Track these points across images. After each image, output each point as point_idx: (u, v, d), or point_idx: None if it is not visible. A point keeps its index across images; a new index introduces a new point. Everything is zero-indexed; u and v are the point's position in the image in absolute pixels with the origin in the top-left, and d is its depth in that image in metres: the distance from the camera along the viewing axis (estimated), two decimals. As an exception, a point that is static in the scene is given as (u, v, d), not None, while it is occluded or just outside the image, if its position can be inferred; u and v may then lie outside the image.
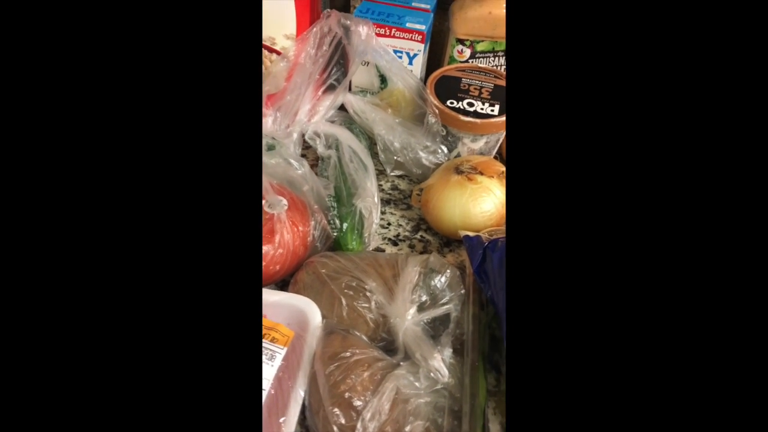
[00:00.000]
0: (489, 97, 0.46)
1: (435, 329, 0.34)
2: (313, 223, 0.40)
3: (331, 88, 0.49)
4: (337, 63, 0.48)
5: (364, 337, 0.34)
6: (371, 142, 0.50)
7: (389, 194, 0.51)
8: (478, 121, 0.44)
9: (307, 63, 0.47)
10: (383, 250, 0.45)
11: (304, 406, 0.31)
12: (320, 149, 0.48)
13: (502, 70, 0.52)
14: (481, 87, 0.47)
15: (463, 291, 0.35)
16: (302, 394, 0.31)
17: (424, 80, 0.49)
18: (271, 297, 0.35)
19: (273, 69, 0.49)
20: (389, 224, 0.48)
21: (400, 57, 0.48)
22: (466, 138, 0.47)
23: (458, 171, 0.43)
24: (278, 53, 0.50)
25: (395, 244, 0.46)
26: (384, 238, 0.46)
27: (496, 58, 0.51)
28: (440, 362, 0.30)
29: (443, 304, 0.34)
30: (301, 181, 0.42)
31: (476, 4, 0.47)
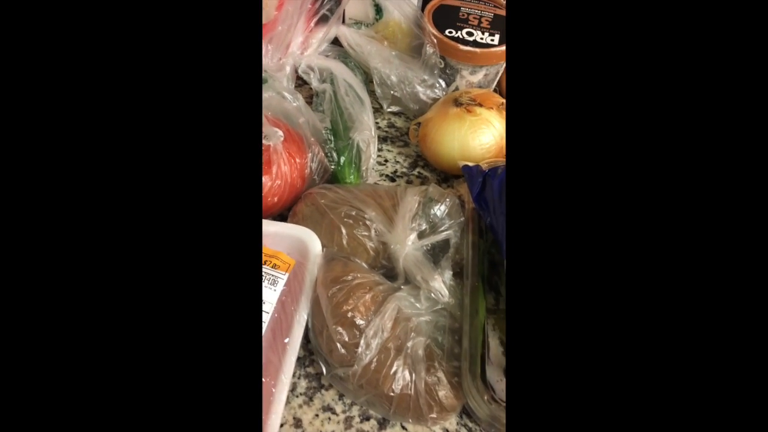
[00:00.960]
0: (489, 26, 0.45)
1: (435, 256, 0.34)
2: (310, 155, 0.39)
3: (323, 20, 0.47)
4: (330, -9, 0.46)
5: (365, 264, 0.34)
6: (367, 77, 0.49)
7: (386, 131, 0.50)
8: (477, 50, 0.42)
9: (298, -10, 0.44)
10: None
11: (307, 329, 0.32)
12: (314, 83, 0.46)
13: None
14: (481, 16, 0.45)
15: (462, 219, 0.35)
16: (305, 317, 0.32)
17: (422, 9, 0.47)
18: (270, 227, 0.35)
19: (262, -2, 0.46)
20: (386, 161, 0.47)
21: (396, -15, 0.46)
22: (465, 70, 0.45)
23: (457, 103, 0.42)
24: (267, -19, 0.47)
25: (393, 180, 0.46)
26: (381, 175, 0.46)
27: (496, -13, 0.49)
28: (440, 283, 0.31)
29: (443, 231, 0.34)
30: (296, 113, 0.41)
31: (476, -75, 0.44)
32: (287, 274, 0.33)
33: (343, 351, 0.29)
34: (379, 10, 0.48)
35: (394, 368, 0.28)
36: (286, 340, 0.31)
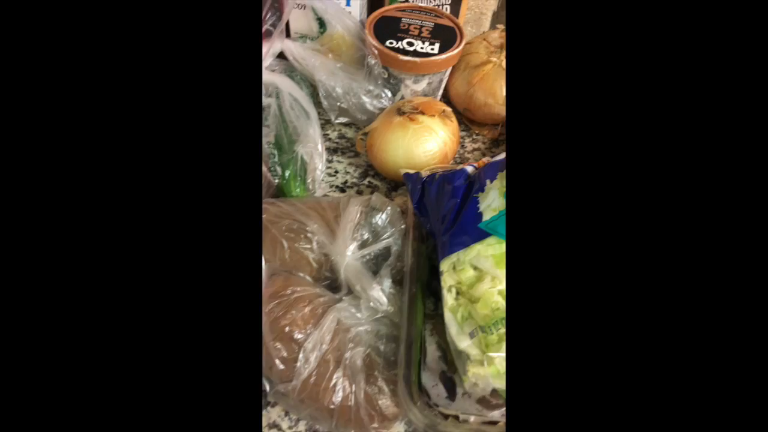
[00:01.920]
0: (429, 36, 0.45)
1: (378, 265, 0.35)
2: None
3: (267, 35, 0.47)
4: (272, 7, 0.46)
5: (308, 277, 0.34)
6: (313, 90, 0.49)
7: (336, 143, 0.50)
8: (417, 60, 0.43)
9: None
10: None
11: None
12: (260, 99, 0.46)
13: (443, 8, 0.51)
14: (422, 26, 0.46)
15: (403, 226, 0.35)
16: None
17: (364, 21, 0.48)
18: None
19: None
20: (337, 172, 0.47)
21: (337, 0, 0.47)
22: (408, 80, 0.46)
23: (400, 112, 0.42)
24: None
25: (343, 190, 0.46)
26: (332, 186, 0.46)
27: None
28: (379, 292, 0.31)
29: (384, 239, 0.34)
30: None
31: (411, -62, 0.45)
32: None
33: (282, 366, 0.29)
34: (322, 23, 0.48)
35: (333, 380, 0.28)
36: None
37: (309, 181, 0.42)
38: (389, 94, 0.47)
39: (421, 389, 0.27)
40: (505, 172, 0.31)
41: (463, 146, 0.51)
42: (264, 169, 0.39)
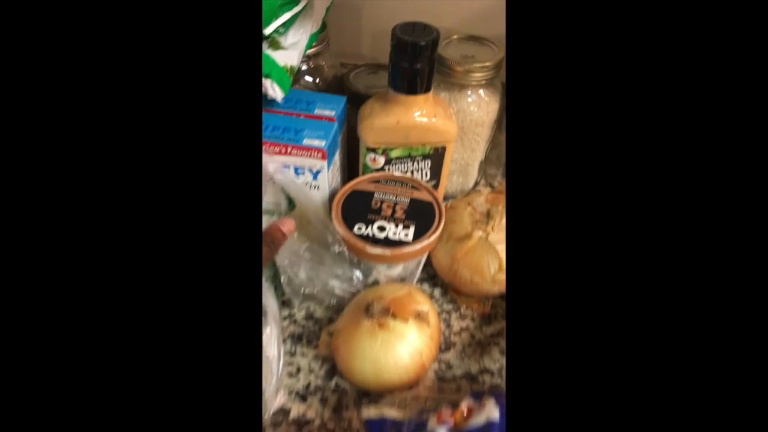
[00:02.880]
0: (403, 216, 0.41)
1: None
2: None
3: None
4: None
5: None
6: (274, 272, 0.44)
7: (302, 325, 0.44)
8: (388, 252, 0.38)
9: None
10: (288, 411, 0.38)
11: None
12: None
13: (420, 176, 0.47)
14: (396, 203, 0.42)
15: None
16: None
17: (331, 199, 0.43)
18: None
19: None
20: (299, 370, 0.40)
21: (302, 174, 0.43)
22: (380, 266, 0.41)
23: (369, 313, 0.36)
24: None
25: (304, 399, 0.39)
26: (291, 392, 0.39)
27: (414, 163, 0.46)
28: None
29: None
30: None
31: (383, 113, 0.42)
32: None
33: None
34: (290, 200, 0.44)
35: None
36: None
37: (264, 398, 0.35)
38: (360, 276, 0.42)
39: None
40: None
41: (448, 326, 0.44)
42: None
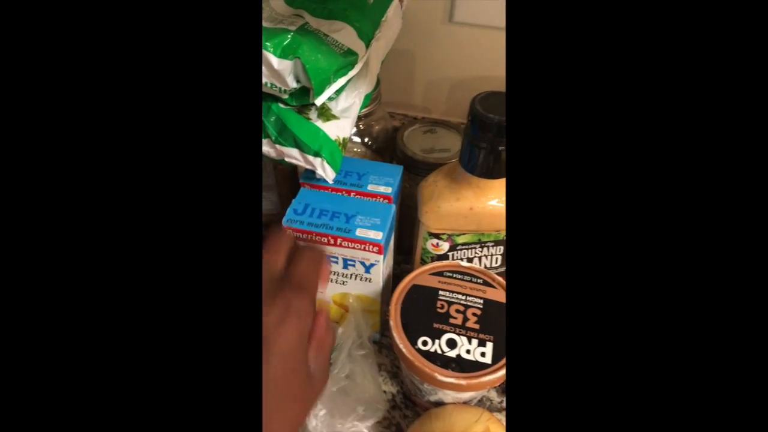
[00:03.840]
0: (478, 326, 0.33)
1: None
2: None
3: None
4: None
5: None
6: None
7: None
8: (463, 382, 0.30)
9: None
10: None
11: None
12: None
13: (489, 263, 0.39)
14: (466, 307, 0.34)
15: None
16: None
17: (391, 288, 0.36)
18: None
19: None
20: None
21: (353, 266, 0.36)
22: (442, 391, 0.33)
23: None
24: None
25: None
26: None
27: (484, 249, 0.39)
28: None
29: None
30: None
31: (452, 196, 0.35)
32: None
33: None
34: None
35: None
36: None
37: None
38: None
39: None
40: None
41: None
42: None
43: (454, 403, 0.35)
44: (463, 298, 0.35)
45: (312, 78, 0.31)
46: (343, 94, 0.37)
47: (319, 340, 0.24)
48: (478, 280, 0.36)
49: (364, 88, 0.38)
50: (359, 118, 0.44)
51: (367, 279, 0.37)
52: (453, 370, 0.31)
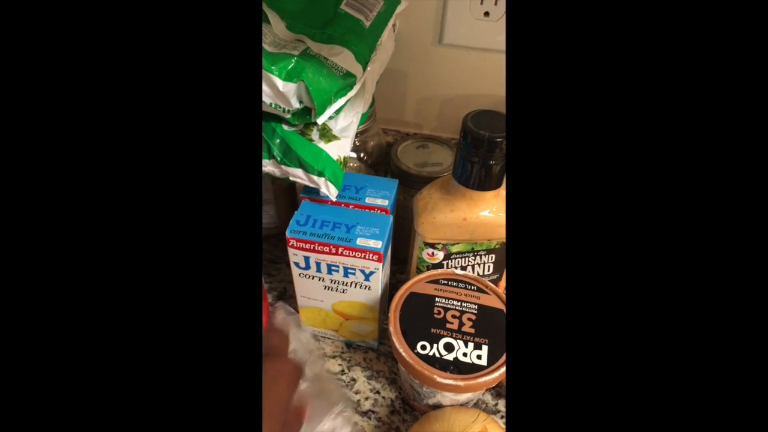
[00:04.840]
0: (473, 330, 0.35)
1: None
2: None
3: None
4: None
5: None
6: None
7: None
8: (461, 383, 0.32)
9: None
10: None
11: None
12: None
13: (482, 271, 0.41)
14: (462, 312, 0.36)
15: None
16: None
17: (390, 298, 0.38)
18: None
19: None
20: None
21: (353, 275, 0.38)
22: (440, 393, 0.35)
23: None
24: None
25: None
26: None
27: (477, 257, 0.41)
28: None
29: None
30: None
31: (447, 208, 0.37)
32: None
33: None
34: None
35: None
36: None
37: None
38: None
39: None
40: None
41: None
42: None
43: (452, 405, 0.36)
44: (459, 304, 0.37)
45: (315, 99, 0.33)
46: (342, 114, 0.39)
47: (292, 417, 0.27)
48: (472, 287, 0.38)
49: (361, 108, 0.40)
50: (355, 135, 0.46)
51: (366, 287, 0.38)
52: (451, 372, 0.33)
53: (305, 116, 0.36)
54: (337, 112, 0.37)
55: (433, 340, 0.34)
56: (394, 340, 0.34)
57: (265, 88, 0.33)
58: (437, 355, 0.33)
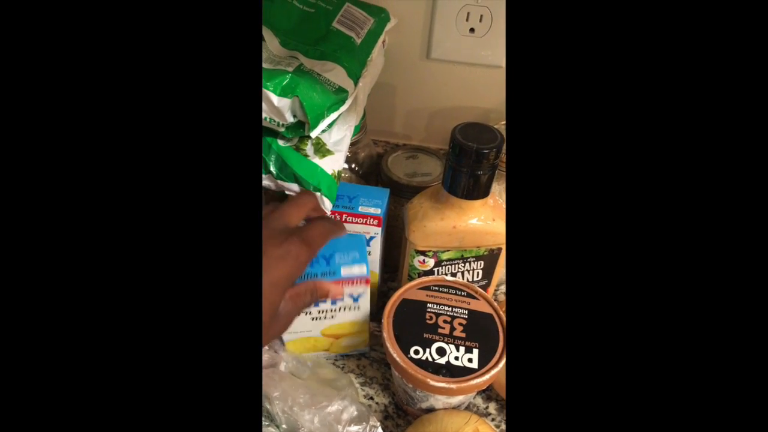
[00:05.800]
0: (464, 335, 0.36)
1: None
2: None
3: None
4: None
5: None
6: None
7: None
8: (453, 386, 0.33)
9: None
10: None
11: None
12: None
13: (471, 277, 0.43)
14: (453, 317, 0.38)
15: None
16: None
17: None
18: None
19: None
20: None
21: (342, 300, 0.38)
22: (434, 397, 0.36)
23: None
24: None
25: None
26: None
27: (466, 264, 0.42)
28: None
29: None
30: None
31: (437, 216, 0.38)
32: None
33: None
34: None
35: None
36: None
37: None
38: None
39: None
40: None
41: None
42: None
43: (444, 409, 0.37)
44: (450, 309, 0.38)
45: (308, 113, 0.35)
46: (335, 127, 0.40)
47: (298, 293, 0.30)
48: (463, 293, 0.40)
49: (353, 121, 0.42)
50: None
51: (355, 308, 0.39)
52: (443, 375, 0.34)
53: (299, 129, 0.37)
54: (330, 125, 0.38)
55: (426, 344, 0.35)
56: (388, 345, 0.35)
57: (260, 103, 0.34)
58: (430, 359, 0.35)
